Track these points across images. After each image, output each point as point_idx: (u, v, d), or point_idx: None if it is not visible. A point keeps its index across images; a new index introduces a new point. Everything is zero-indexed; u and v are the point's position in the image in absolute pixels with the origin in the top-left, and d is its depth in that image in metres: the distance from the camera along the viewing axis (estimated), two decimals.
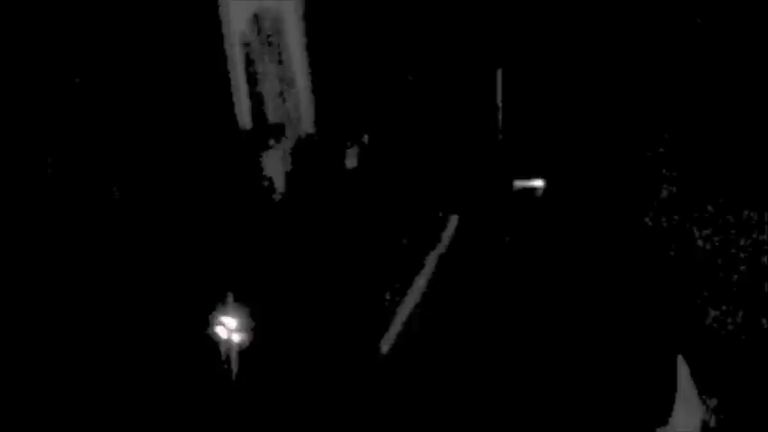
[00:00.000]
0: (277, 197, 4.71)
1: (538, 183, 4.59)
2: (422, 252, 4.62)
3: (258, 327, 4.00)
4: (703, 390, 3.52)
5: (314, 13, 5.07)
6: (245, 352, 3.91)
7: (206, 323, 3.88)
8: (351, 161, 4.92)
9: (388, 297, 4.37)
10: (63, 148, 3.68)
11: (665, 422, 3.11)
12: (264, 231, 4.44)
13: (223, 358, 3.84)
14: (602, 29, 5.18)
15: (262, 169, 4.61)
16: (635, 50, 5.13)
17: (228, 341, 3.87)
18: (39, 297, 3.42)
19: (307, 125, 5.07)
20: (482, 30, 5.36)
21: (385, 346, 4.19)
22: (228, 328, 3.89)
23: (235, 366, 3.84)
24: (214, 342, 3.85)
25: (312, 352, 4.02)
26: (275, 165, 4.71)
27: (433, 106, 5.21)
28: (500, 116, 5.06)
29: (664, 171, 4.68)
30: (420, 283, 4.50)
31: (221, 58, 4.52)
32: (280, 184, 4.72)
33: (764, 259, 4.53)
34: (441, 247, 4.67)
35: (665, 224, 4.53)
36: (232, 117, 4.63)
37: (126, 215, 4.02)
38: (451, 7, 5.40)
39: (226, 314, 3.90)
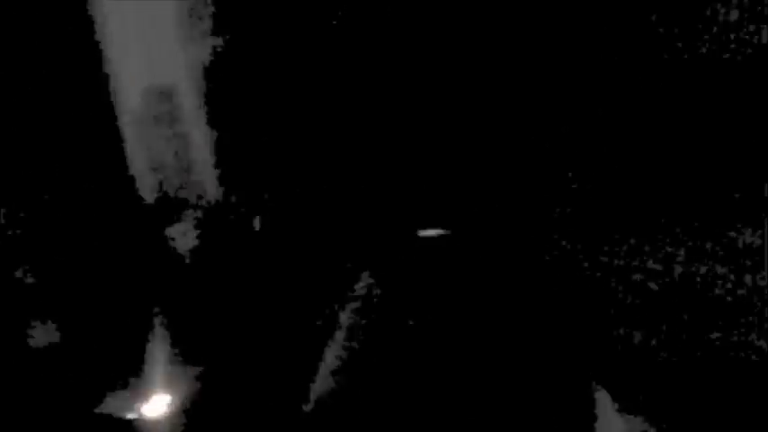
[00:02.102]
0: (189, 267, 4.70)
1: (435, 231, 4.67)
2: (336, 308, 4.64)
3: (179, 399, 3.97)
4: (625, 408, 3.58)
5: (210, 85, 5.10)
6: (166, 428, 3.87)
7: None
8: (257, 223, 4.94)
9: (306, 356, 4.37)
10: None
11: None
12: (176, 304, 4.42)
13: None
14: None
15: (168, 244, 4.60)
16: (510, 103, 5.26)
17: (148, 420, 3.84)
18: None
19: (211, 194, 5.08)
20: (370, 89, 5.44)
21: (308, 405, 4.18)
22: (149, 407, 3.86)
23: None
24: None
25: (235, 419, 4.00)
26: (182, 237, 4.71)
27: (332, 166, 5.25)
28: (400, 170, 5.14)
29: (563, 204, 4.78)
30: (338, 339, 4.51)
31: (116, 136, 4.53)
32: (188, 257, 4.71)
33: (669, 278, 4.64)
34: (354, 303, 4.69)
35: (567, 253, 4.62)
36: (133, 194, 4.63)
37: (35, 301, 3.98)
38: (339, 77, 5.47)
39: (142, 395, 3.88)
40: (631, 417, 3.67)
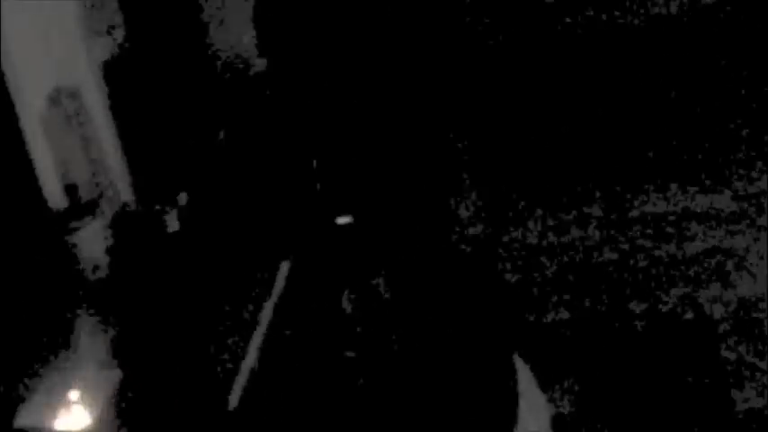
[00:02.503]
0: (100, 274, 4.59)
1: (346, 219, 4.64)
2: (256, 304, 4.57)
3: (98, 408, 3.88)
4: (549, 384, 3.56)
5: (116, 84, 5.00)
6: None
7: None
8: (172, 225, 4.84)
9: (226, 356, 4.30)
10: None
11: (511, 429, 3.11)
12: (90, 310, 4.33)
13: None
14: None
15: (75, 248, 4.49)
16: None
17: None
18: None
19: (123, 196, 4.97)
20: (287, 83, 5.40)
21: (233, 402, 4.11)
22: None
23: None
24: None
25: (162, 422, 3.92)
26: (93, 241, 4.60)
27: (248, 158, 5.18)
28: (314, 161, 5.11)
29: (468, 179, 4.79)
30: (259, 333, 4.44)
31: (19, 139, 4.42)
32: (101, 260, 4.60)
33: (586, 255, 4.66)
34: (275, 297, 4.62)
35: (480, 232, 4.62)
36: (39, 198, 4.51)
37: None
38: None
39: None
40: (554, 393, 3.66)
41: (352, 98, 5.30)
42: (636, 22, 5.52)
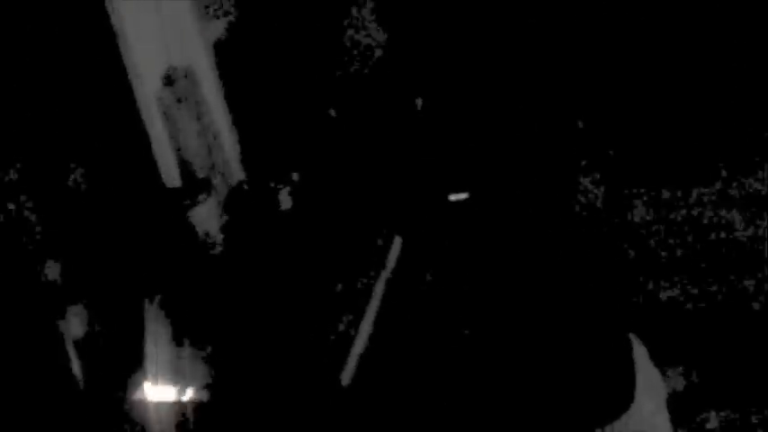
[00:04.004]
0: (216, 250, 4.66)
1: (462, 195, 4.61)
2: (369, 279, 4.59)
3: (212, 378, 3.95)
4: (665, 363, 3.50)
5: (228, 64, 5.06)
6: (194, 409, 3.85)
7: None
8: (285, 202, 4.88)
9: (341, 329, 4.33)
10: None
11: (627, 406, 3.08)
12: (207, 285, 4.39)
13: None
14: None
15: (193, 225, 4.56)
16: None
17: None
18: None
19: (236, 174, 5.03)
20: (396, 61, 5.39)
21: (345, 379, 4.14)
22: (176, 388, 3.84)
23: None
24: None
25: (272, 394, 3.97)
26: (209, 218, 4.66)
27: (358, 135, 5.20)
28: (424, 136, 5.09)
29: (584, 161, 4.72)
30: (371, 310, 4.46)
31: (136, 118, 4.50)
32: (216, 237, 4.67)
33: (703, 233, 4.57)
34: (388, 272, 4.64)
35: (599, 206, 4.55)
36: (156, 176, 4.59)
37: (66, 291, 3.97)
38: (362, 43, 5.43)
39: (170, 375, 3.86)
40: (670, 370, 3.60)
41: (470, 72, 5.27)
42: None
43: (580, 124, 4.91)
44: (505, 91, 5.18)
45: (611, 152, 5.05)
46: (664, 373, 3.50)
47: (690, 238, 4.61)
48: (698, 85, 5.28)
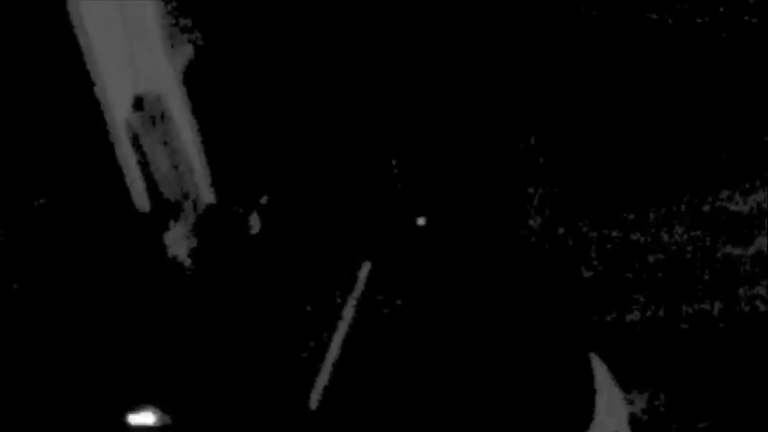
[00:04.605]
0: (186, 274, 4.68)
1: (420, 220, 4.67)
2: (338, 303, 4.61)
3: (178, 408, 3.96)
4: (629, 385, 3.55)
5: (197, 89, 5.09)
6: None
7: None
8: (254, 226, 4.91)
9: (309, 352, 4.35)
10: None
11: (587, 426, 3.11)
12: (176, 309, 4.41)
13: None
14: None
15: (164, 249, 4.58)
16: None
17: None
18: None
19: (205, 197, 5.06)
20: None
21: (313, 402, 4.15)
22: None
23: None
24: None
25: (240, 416, 3.98)
26: (178, 242, 4.69)
27: (328, 159, 5.24)
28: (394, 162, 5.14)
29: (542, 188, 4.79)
30: (340, 334, 4.48)
31: (106, 143, 4.52)
32: (186, 262, 4.69)
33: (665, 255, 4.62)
34: (356, 295, 4.66)
35: (561, 229, 4.61)
36: (127, 201, 4.61)
37: (26, 310, 3.98)
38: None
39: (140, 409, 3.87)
40: (634, 392, 3.64)
41: (428, 99, 5.33)
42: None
43: (532, 141, 4.97)
44: (460, 118, 5.24)
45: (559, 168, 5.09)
46: (628, 395, 3.55)
47: (655, 258, 4.66)
48: (663, 99, 5.33)
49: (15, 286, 3.86)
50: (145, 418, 3.85)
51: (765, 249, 4.68)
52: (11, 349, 3.81)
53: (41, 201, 4.11)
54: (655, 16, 5.26)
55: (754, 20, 5.09)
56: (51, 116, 4.10)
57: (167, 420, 3.86)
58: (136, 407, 3.87)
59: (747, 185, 5.01)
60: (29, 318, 3.92)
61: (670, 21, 5.20)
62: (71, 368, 4.02)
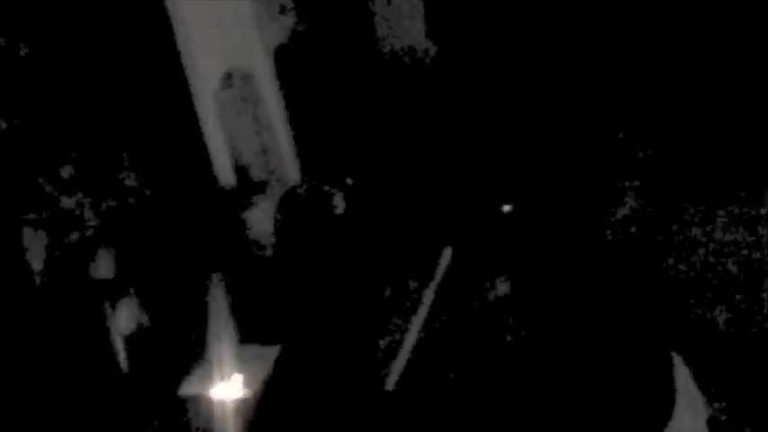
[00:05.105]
0: (267, 252, 4.70)
1: (507, 207, 4.62)
2: (419, 286, 4.60)
3: (261, 381, 3.98)
4: (708, 388, 3.47)
5: (287, 67, 5.10)
6: (246, 408, 3.89)
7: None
8: (339, 206, 4.91)
9: (388, 335, 4.35)
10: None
11: (664, 425, 3.06)
12: (257, 287, 4.43)
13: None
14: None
15: (247, 227, 4.61)
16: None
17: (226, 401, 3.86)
18: None
19: (291, 176, 5.07)
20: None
21: (390, 384, 4.15)
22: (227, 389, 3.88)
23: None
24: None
25: (319, 399, 4.00)
26: (263, 220, 4.70)
27: (411, 143, 5.21)
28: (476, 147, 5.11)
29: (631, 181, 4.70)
30: (419, 317, 4.47)
31: (194, 119, 4.55)
32: (269, 240, 4.71)
33: (756, 255, 4.50)
34: (437, 280, 4.64)
35: (648, 226, 4.52)
36: (212, 176, 4.65)
37: (118, 288, 4.04)
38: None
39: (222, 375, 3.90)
40: (713, 394, 3.56)
41: (519, 85, 5.28)
42: None
43: (620, 136, 4.89)
44: (553, 107, 5.18)
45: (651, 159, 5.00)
46: (708, 395, 3.47)
47: (744, 258, 4.55)
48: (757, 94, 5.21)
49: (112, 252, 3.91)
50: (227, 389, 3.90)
51: None
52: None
53: (132, 173, 4.16)
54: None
55: None
56: (139, 92, 4.14)
57: (248, 394, 3.90)
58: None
59: None
60: (113, 284, 3.97)
61: None
62: (152, 337, 4.08)
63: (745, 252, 4.57)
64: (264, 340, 4.14)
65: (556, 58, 5.35)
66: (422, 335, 4.38)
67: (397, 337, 4.37)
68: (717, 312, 4.19)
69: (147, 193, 4.22)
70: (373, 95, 5.27)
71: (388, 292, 4.55)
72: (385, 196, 4.98)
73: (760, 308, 4.22)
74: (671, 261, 4.49)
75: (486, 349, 4.11)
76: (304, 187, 5.01)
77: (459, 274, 4.62)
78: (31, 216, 3.66)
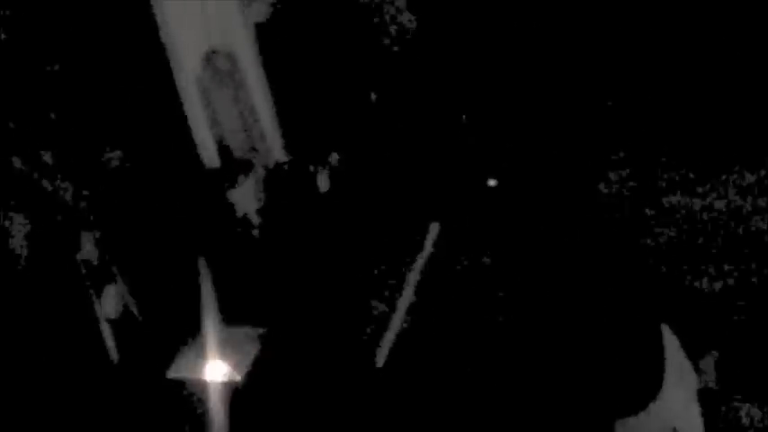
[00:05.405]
0: (253, 232, 4.67)
1: (492, 181, 4.61)
2: (406, 263, 4.59)
3: (250, 362, 3.97)
4: (699, 355, 3.48)
5: (269, 45, 5.06)
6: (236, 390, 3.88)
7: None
8: (324, 184, 4.89)
9: (377, 311, 4.34)
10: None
11: (654, 396, 3.05)
12: (243, 267, 4.41)
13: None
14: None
15: (232, 206, 4.58)
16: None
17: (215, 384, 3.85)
18: None
19: (276, 155, 5.03)
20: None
21: (380, 360, 4.15)
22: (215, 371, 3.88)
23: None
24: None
25: (308, 378, 3.99)
26: (247, 199, 4.68)
27: (399, 118, 5.18)
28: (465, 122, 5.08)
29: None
30: (407, 293, 4.46)
31: (176, 99, 4.51)
32: (255, 218, 4.68)
33: (743, 222, 4.50)
34: (424, 256, 4.64)
35: (634, 197, 4.51)
36: (195, 157, 4.61)
37: (102, 270, 4.01)
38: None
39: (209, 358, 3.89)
40: (704, 362, 3.56)
41: (503, 59, 5.25)
42: None
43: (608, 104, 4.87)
44: (535, 80, 5.16)
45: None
46: (697, 366, 3.47)
47: (729, 227, 4.55)
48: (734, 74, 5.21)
49: (96, 235, 3.88)
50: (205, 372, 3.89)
51: None
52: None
53: (113, 155, 4.12)
54: None
55: None
56: (120, 73, 4.10)
57: (237, 376, 3.89)
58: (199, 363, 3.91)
59: None
60: (98, 268, 3.95)
61: None
62: (138, 320, 4.07)
63: (732, 220, 4.58)
64: (252, 321, 4.13)
65: (539, 32, 5.33)
66: (411, 310, 4.38)
67: (386, 313, 4.36)
68: (705, 281, 4.19)
69: (131, 175, 4.18)
70: (358, 72, 5.24)
71: (375, 270, 4.54)
72: (370, 173, 4.96)
73: (748, 275, 4.22)
74: (657, 230, 4.49)
75: (474, 324, 4.10)
76: (288, 166, 4.99)
77: (446, 249, 4.61)
78: (12, 202, 3.63)
